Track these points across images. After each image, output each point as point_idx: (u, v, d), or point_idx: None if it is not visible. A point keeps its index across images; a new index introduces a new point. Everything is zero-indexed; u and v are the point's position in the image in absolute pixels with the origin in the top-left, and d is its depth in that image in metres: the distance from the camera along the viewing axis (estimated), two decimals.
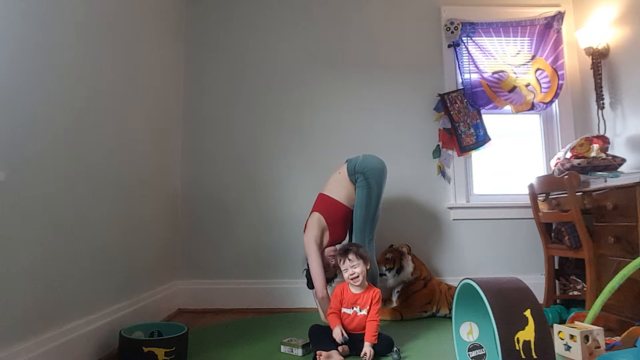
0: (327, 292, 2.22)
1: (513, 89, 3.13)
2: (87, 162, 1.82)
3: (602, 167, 2.43)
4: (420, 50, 3.22)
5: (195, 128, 3.10)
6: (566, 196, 2.40)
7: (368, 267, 1.99)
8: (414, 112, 3.15)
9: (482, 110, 3.16)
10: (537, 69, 3.14)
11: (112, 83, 2.05)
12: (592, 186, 2.36)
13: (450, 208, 3.07)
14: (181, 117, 3.08)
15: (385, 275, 2.68)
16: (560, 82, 3.04)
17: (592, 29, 2.87)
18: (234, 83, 3.14)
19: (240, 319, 2.59)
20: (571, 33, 3.17)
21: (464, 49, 3.17)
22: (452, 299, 1.70)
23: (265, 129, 3.11)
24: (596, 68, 2.86)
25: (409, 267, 2.69)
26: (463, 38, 3.17)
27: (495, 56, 3.18)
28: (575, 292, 2.64)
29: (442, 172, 3.10)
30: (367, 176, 2.34)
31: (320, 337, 1.91)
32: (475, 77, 3.15)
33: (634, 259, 1.97)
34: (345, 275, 1.97)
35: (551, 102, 3.07)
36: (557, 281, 2.77)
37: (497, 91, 3.13)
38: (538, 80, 3.13)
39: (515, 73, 3.16)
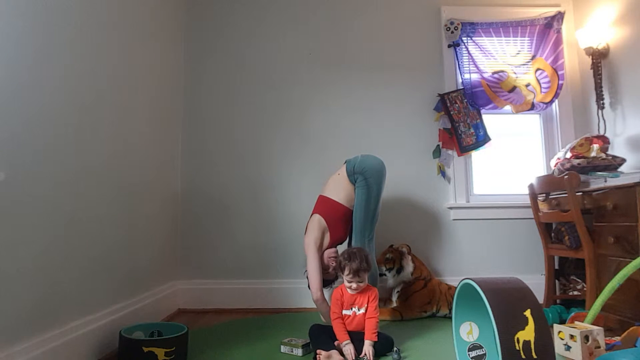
0: (321, 294, 2.22)
1: (513, 89, 3.13)
2: (87, 162, 1.82)
3: (602, 167, 2.43)
4: (420, 50, 3.22)
5: (195, 128, 3.10)
6: (566, 196, 2.40)
7: (368, 274, 2.01)
8: (414, 112, 3.15)
9: (482, 110, 3.16)
10: (537, 69, 3.14)
11: (112, 83, 2.05)
12: (592, 186, 2.36)
13: (450, 208, 3.07)
14: (181, 117, 3.08)
15: (385, 275, 2.68)
16: (560, 82, 3.04)
17: (592, 29, 2.87)
18: (234, 83, 3.14)
19: (240, 319, 2.59)
20: (571, 33, 3.17)
21: (464, 49, 3.17)
22: (452, 299, 1.70)
23: (265, 129, 3.11)
24: (596, 68, 2.86)
25: (409, 267, 2.69)
26: (463, 38, 3.18)
27: (495, 56, 3.18)
28: (575, 292, 2.64)
29: (442, 172, 3.10)
30: (366, 176, 2.34)
31: (321, 336, 1.91)
32: (475, 77, 3.15)
33: (634, 259, 1.97)
34: (347, 284, 1.97)
35: (551, 102, 3.07)
36: (557, 281, 2.77)
37: (497, 91, 3.13)
38: (538, 80, 3.13)
39: (515, 73, 3.16)
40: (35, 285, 1.48)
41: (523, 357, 1.26)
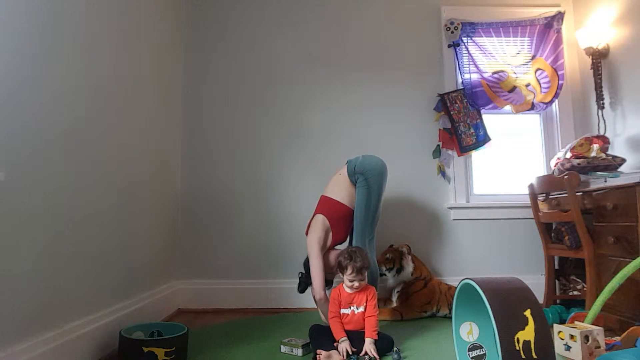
0: (325, 293, 2.22)
1: (513, 89, 3.13)
2: (87, 162, 1.82)
3: (602, 167, 2.43)
4: (420, 50, 3.22)
5: (195, 128, 3.10)
6: (566, 196, 2.40)
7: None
8: (414, 112, 3.15)
9: (482, 110, 3.16)
10: (537, 69, 3.14)
11: (113, 83, 2.05)
12: (592, 186, 2.36)
13: (450, 208, 3.07)
14: (181, 117, 3.08)
15: (385, 275, 2.68)
16: (560, 82, 3.04)
17: (592, 29, 2.87)
18: (234, 83, 3.14)
19: (240, 319, 2.59)
20: (571, 33, 3.17)
21: (464, 49, 3.17)
22: (452, 299, 1.70)
23: (266, 129, 3.11)
24: (596, 68, 2.86)
25: (409, 267, 2.69)
26: (463, 38, 3.18)
27: (495, 56, 3.18)
28: (575, 292, 2.64)
29: (442, 172, 3.10)
30: (367, 176, 2.34)
31: (321, 336, 1.91)
32: (475, 77, 3.15)
33: (634, 259, 1.97)
34: (348, 283, 1.99)
35: (551, 102, 3.07)
36: (557, 281, 2.77)
37: (497, 91, 3.13)
38: (538, 80, 3.13)
39: (515, 73, 3.16)
40: (35, 285, 1.48)
41: (523, 357, 1.26)
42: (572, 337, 1.75)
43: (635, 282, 2.04)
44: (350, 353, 1.83)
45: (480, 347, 1.62)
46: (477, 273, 2.94)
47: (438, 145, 3.12)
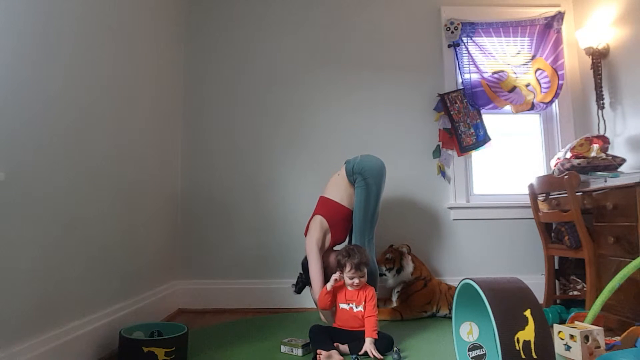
0: None
1: (513, 89, 3.13)
2: (88, 162, 1.82)
3: (602, 167, 2.43)
4: (420, 50, 3.22)
5: (195, 128, 3.10)
6: (566, 196, 2.40)
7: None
8: (414, 112, 3.15)
9: (482, 110, 3.16)
10: (537, 69, 3.14)
11: (113, 83, 2.05)
12: (592, 186, 2.36)
13: (450, 208, 3.07)
14: (181, 117, 3.08)
15: (385, 275, 2.68)
16: (560, 82, 3.04)
17: (592, 29, 2.87)
18: (234, 83, 3.14)
19: (240, 319, 2.59)
20: (571, 33, 3.17)
21: (464, 49, 3.17)
22: (452, 299, 1.70)
23: (265, 129, 3.11)
24: (596, 68, 2.86)
25: (409, 267, 2.69)
26: (463, 38, 3.17)
27: (495, 56, 3.18)
28: (575, 292, 2.64)
29: (442, 172, 3.10)
30: (366, 176, 2.34)
31: (321, 337, 1.91)
32: (475, 77, 3.15)
33: (634, 259, 1.97)
34: (349, 281, 2.00)
35: (551, 102, 3.07)
36: (557, 281, 2.77)
37: (497, 91, 3.13)
38: (538, 80, 3.13)
39: (515, 73, 3.16)
40: (35, 285, 1.48)
41: (523, 357, 1.26)
42: (572, 337, 1.75)
43: (635, 282, 2.04)
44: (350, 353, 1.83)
45: (480, 347, 1.62)
46: (477, 273, 2.94)
47: (438, 145, 3.12)
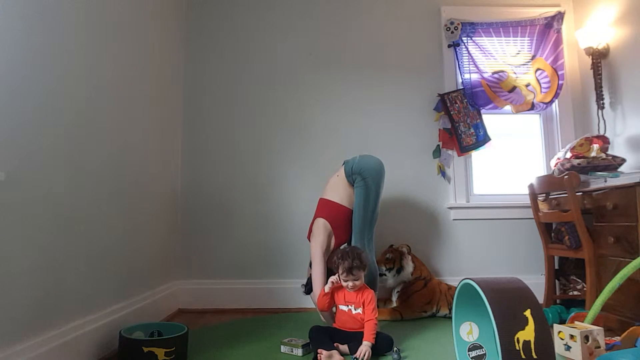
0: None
1: (513, 89, 3.13)
2: (88, 162, 1.82)
3: (602, 167, 2.43)
4: (420, 50, 3.22)
5: (196, 128, 3.10)
6: (566, 196, 2.40)
7: (365, 272, 2.03)
8: (414, 112, 3.15)
9: (482, 110, 3.16)
10: (537, 69, 3.14)
11: (112, 83, 2.05)
12: (592, 186, 2.36)
13: (450, 208, 3.07)
14: (181, 117, 3.08)
15: (385, 275, 2.68)
16: (560, 82, 3.04)
17: (592, 29, 2.87)
18: (234, 83, 3.14)
19: (240, 319, 2.59)
20: (571, 33, 3.17)
21: (464, 49, 3.17)
22: (452, 299, 1.70)
23: (265, 129, 3.11)
24: (596, 68, 2.86)
25: (409, 267, 2.69)
26: (463, 38, 3.18)
27: (495, 56, 3.18)
28: (575, 292, 2.64)
29: (442, 172, 3.10)
30: (365, 176, 2.33)
31: (321, 337, 1.91)
32: (475, 77, 3.15)
33: (634, 259, 1.97)
34: (344, 284, 2.00)
35: (551, 102, 3.07)
36: (557, 281, 2.77)
37: (497, 91, 3.13)
38: (538, 80, 3.13)
39: (515, 73, 3.16)
40: (35, 285, 1.48)
41: (523, 357, 1.26)
42: (572, 337, 1.75)
43: (635, 282, 2.04)
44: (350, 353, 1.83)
45: (480, 347, 1.62)
46: (477, 273, 2.94)
47: (438, 145, 3.12)
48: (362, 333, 1.91)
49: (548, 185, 2.56)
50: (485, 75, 3.15)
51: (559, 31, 3.12)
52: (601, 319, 1.94)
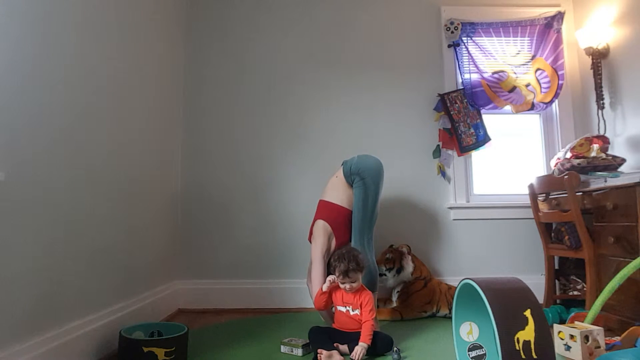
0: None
1: (513, 89, 3.13)
2: (87, 162, 1.82)
3: (602, 167, 2.43)
4: (420, 50, 3.22)
5: (195, 128, 3.10)
6: (566, 196, 2.40)
7: (363, 273, 2.03)
8: (414, 112, 3.15)
9: (482, 110, 3.16)
10: (537, 69, 3.14)
11: (112, 83, 2.05)
12: (592, 186, 2.36)
13: (450, 208, 3.07)
14: (181, 117, 3.08)
15: (385, 275, 2.68)
16: (560, 82, 3.04)
17: (592, 29, 2.87)
18: (234, 83, 3.14)
19: (240, 319, 2.59)
20: (571, 33, 3.17)
21: (464, 49, 3.17)
22: (452, 299, 1.70)
23: (266, 129, 3.11)
24: (596, 68, 2.86)
25: (409, 267, 2.69)
26: (463, 38, 3.17)
27: (495, 56, 3.18)
28: (575, 292, 2.64)
29: (442, 172, 3.10)
30: (363, 176, 2.33)
31: (321, 337, 1.91)
32: (475, 77, 3.15)
33: (634, 259, 1.97)
34: (342, 286, 2.00)
35: (551, 102, 3.07)
36: (557, 281, 2.77)
37: (497, 91, 3.13)
38: (538, 80, 3.13)
39: (515, 73, 3.16)
40: (35, 285, 1.48)
41: (523, 357, 1.26)
42: (572, 337, 1.75)
43: (635, 282, 2.04)
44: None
45: (480, 347, 1.62)
46: (477, 273, 2.94)
47: (438, 145, 3.12)
48: (358, 334, 1.91)
49: (548, 185, 2.56)
50: (485, 75, 3.15)
51: (559, 31, 3.12)
52: (601, 319, 1.94)
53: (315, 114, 3.13)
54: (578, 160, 2.47)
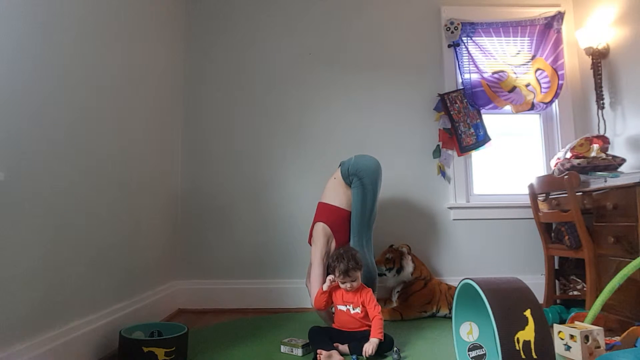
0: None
1: (513, 89, 3.13)
2: (88, 162, 1.82)
3: (602, 167, 2.43)
4: (420, 50, 3.22)
5: (196, 128, 3.10)
6: (566, 196, 2.40)
7: (362, 271, 2.04)
8: (414, 112, 3.15)
9: (482, 110, 3.16)
10: (537, 69, 3.14)
11: (113, 83, 2.05)
12: (592, 186, 2.36)
13: (450, 208, 3.07)
14: (181, 118, 3.08)
15: (385, 275, 2.68)
16: (560, 82, 3.04)
17: (592, 29, 2.87)
18: (234, 83, 3.14)
19: (240, 319, 2.59)
20: (571, 33, 3.17)
21: (464, 49, 3.17)
22: (452, 299, 1.70)
23: (265, 129, 3.11)
24: (596, 68, 2.86)
25: (409, 267, 2.68)
26: (463, 38, 3.17)
27: (495, 56, 3.18)
28: (575, 292, 2.64)
29: (442, 172, 3.09)
30: (361, 177, 2.32)
31: (320, 337, 1.91)
32: (475, 77, 3.15)
33: (634, 259, 1.97)
34: (342, 285, 2.01)
35: (551, 102, 3.07)
36: (557, 281, 2.77)
37: (497, 91, 3.13)
38: (538, 80, 3.13)
39: (515, 73, 3.16)
40: (35, 285, 1.48)
41: (523, 357, 1.26)
42: (572, 337, 1.75)
43: (635, 282, 2.04)
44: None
45: (480, 347, 1.62)
46: (477, 273, 2.94)
47: (438, 145, 3.12)
48: (361, 332, 1.92)
49: (548, 185, 2.56)
50: (485, 75, 3.15)
51: (559, 31, 3.12)
52: (601, 319, 1.94)
53: (315, 114, 3.13)
54: (578, 160, 2.47)
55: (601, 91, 2.84)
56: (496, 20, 3.19)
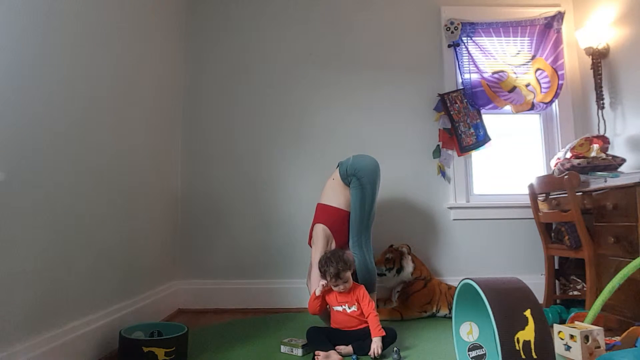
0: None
1: (513, 89, 3.13)
2: (88, 162, 1.82)
3: (602, 167, 2.43)
4: (420, 50, 3.22)
5: (195, 129, 3.10)
6: (566, 196, 2.40)
7: (352, 270, 2.04)
8: (414, 112, 3.15)
9: (482, 110, 3.16)
10: (537, 69, 3.14)
11: (113, 83, 2.05)
12: (592, 186, 2.36)
13: (450, 208, 3.07)
14: (181, 118, 3.08)
15: (385, 275, 2.68)
16: (560, 82, 3.04)
17: (592, 29, 2.87)
18: (234, 83, 3.14)
19: (240, 319, 2.59)
20: (571, 33, 3.17)
21: (464, 49, 3.17)
22: (452, 299, 1.70)
23: (265, 129, 3.11)
24: (596, 68, 2.86)
25: (409, 267, 2.68)
26: (463, 38, 3.17)
27: (495, 56, 3.18)
28: (575, 292, 2.64)
29: (442, 172, 3.09)
30: (359, 176, 2.31)
31: (318, 338, 1.91)
32: (475, 77, 3.15)
33: (634, 259, 1.97)
34: (335, 288, 2.02)
35: (551, 102, 3.07)
36: (557, 281, 2.77)
37: (497, 91, 3.13)
38: (538, 80, 3.13)
39: (515, 73, 3.16)
40: (35, 286, 1.48)
41: (523, 357, 1.26)
42: (572, 337, 1.75)
43: (635, 282, 2.04)
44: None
45: (480, 347, 1.62)
46: (477, 273, 2.94)
47: (438, 145, 3.12)
48: (362, 330, 1.92)
49: (548, 185, 2.56)
50: (485, 75, 3.14)
51: (559, 31, 3.12)
52: (601, 319, 1.94)
53: (315, 114, 3.13)
54: (578, 160, 2.47)
55: (601, 91, 2.84)
56: (496, 20, 3.19)
